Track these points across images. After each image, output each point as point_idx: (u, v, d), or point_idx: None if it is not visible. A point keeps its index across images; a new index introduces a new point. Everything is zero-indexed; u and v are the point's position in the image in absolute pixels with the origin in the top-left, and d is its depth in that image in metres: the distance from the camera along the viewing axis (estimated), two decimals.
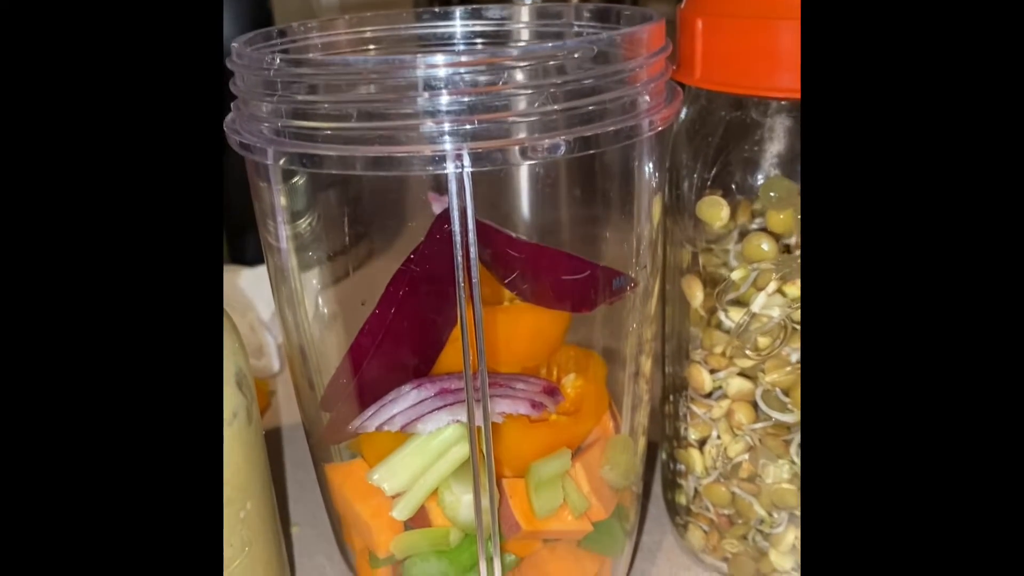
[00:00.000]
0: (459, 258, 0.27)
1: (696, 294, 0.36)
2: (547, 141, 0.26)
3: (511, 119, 0.26)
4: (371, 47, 0.35)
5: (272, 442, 0.50)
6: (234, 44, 0.30)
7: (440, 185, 0.34)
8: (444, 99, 0.25)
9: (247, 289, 0.60)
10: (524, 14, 0.36)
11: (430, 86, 0.25)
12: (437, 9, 0.36)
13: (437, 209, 0.34)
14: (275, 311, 0.60)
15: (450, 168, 0.26)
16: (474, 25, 0.35)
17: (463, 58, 0.25)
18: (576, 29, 0.35)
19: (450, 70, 0.25)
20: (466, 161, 0.26)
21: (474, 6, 0.36)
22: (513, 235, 0.33)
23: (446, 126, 0.25)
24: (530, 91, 0.26)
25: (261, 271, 0.62)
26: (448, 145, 0.25)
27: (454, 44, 0.35)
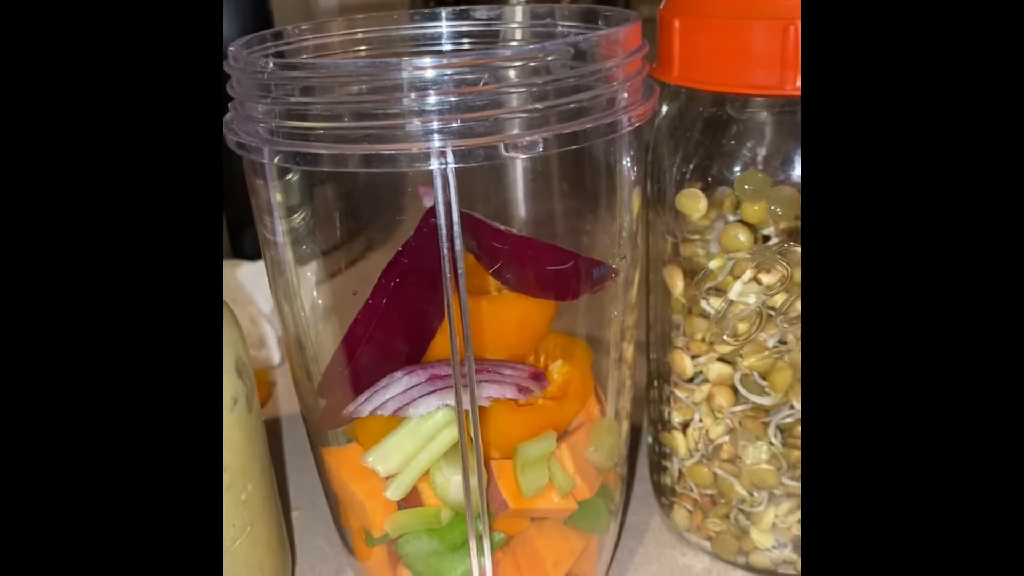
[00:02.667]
0: (444, 250, 0.29)
1: (677, 283, 0.37)
2: (526, 138, 0.27)
3: (493, 117, 0.27)
4: (363, 48, 0.36)
5: (273, 431, 0.51)
6: (230, 48, 0.31)
7: (430, 180, 0.35)
8: (429, 99, 0.27)
9: (247, 282, 0.62)
10: (510, 15, 0.37)
11: (416, 87, 0.27)
12: (426, 11, 0.37)
13: (428, 202, 0.36)
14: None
15: (434, 165, 0.27)
16: (462, 26, 0.37)
17: (446, 60, 0.27)
18: (560, 29, 0.37)
19: (435, 71, 0.27)
20: (450, 158, 0.27)
21: (462, 7, 0.37)
22: (500, 227, 0.35)
23: (431, 124, 0.27)
24: (511, 91, 0.27)
25: (261, 265, 0.63)
26: (433, 143, 0.27)
27: (442, 44, 0.37)
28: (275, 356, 0.58)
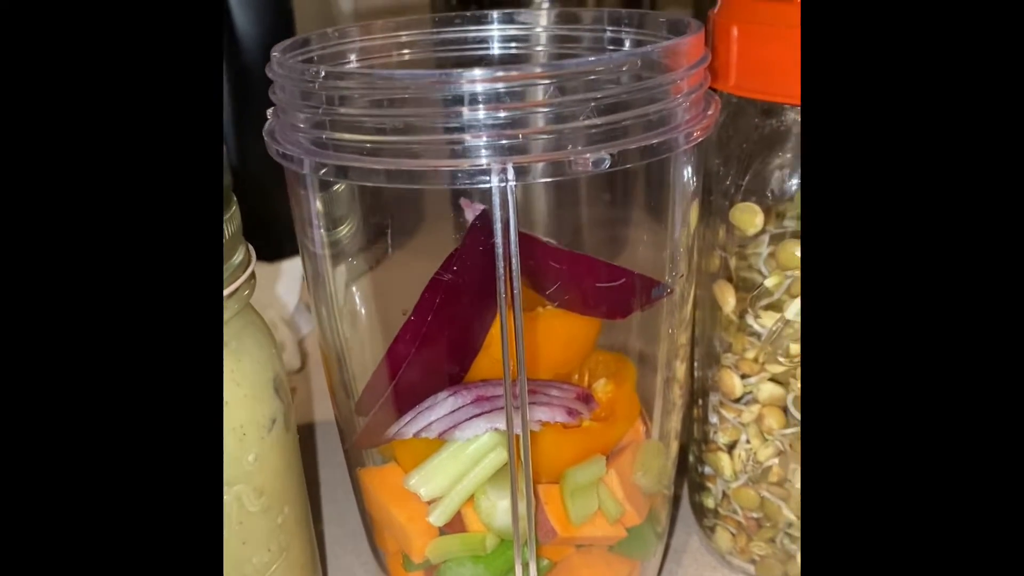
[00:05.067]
0: (501, 269, 0.27)
1: (728, 299, 0.36)
2: (592, 155, 0.26)
3: (555, 132, 0.26)
4: (406, 51, 0.35)
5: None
6: (274, 52, 0.30)
7: (471, 193, 0.34)
8: (489, 113, 0.25)
9: (266, 285, 0.60)
10: (559, 19, 0.36)
11: (475, 100, 0.25)
12: (468, 13, 0.36)
13: (469, 216, 0.34)
14: (295, 307, 0.60)
15: (494, 182, 0.26)
16: (509, 29, 0.35)
17: (509, 73, 0.25)
18: (609, 34, 0.35)
19: (495, 85, 0.25)
20: (510, 175, 0.26)
21: (506, 11, 0.36)
22: (549, 243, 0.33)
23: (492, 140, 0.26)
24: (576, 104, 0.26)
25: (279, 267, 0.62)
26: (493, 159, 0.26)
27: (489, 48, 0.35)
28: (295, 362, 0.57)
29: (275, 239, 0.55)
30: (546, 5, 0.70)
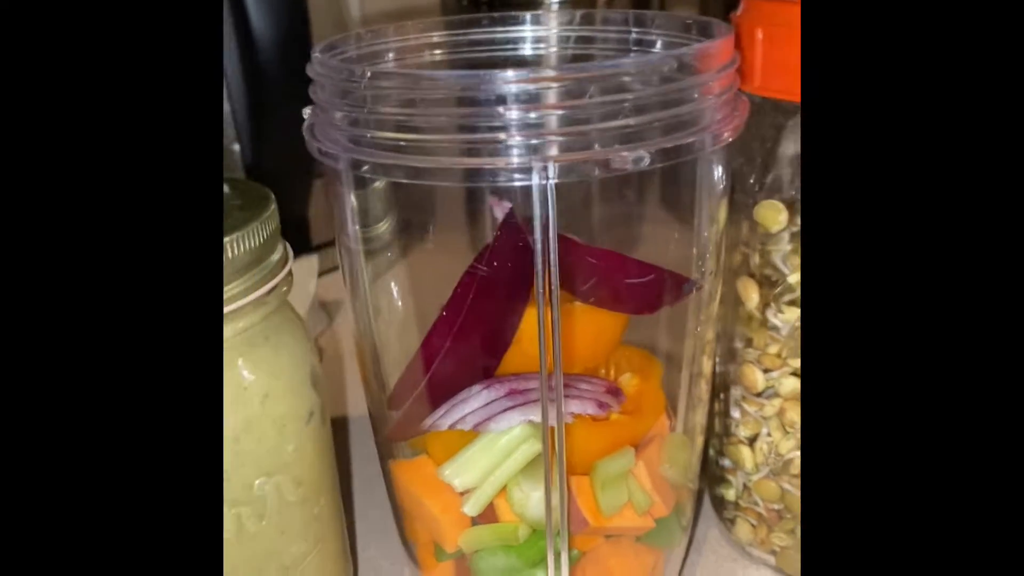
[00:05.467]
0: (540, 266, 0.28)
1: (752, 296, 0.37)
2: (631, 153, 0.27)
3: (594, 131, 0.27)
4: (438, 52, 0.35)
5: None
6: (315, 53, 0.30)
7: (501, 190, 0.35)
8: (530, 113, 0.26)
9: None
10: (585, 20, 0.36)
11: (518, 100, 0.26)
12: (496, 15, 0.37)
13: (499, 213, 0.35)
14: (312, 304, 0.61)
15: (535, 180, 0.26)
16: (537, 31, 0.36)
17: (549, 74, 0.26)
18: (635, 36, 0.36)
19: (537, 85, 0.26)
20: (551, 173, 0.26)
21: (535, 12, 0.36)
22: (578, 240, 0.34)
23: (531, 139, 0.26)
24: (611, 105, 0.27)
25: (298, 264, 0.63)
26: (534, 158, 0.26)
27: (519, 49, 0.36)
28: None
29: (290, 236, 0.56)
30: (555, 6, 0.71)
